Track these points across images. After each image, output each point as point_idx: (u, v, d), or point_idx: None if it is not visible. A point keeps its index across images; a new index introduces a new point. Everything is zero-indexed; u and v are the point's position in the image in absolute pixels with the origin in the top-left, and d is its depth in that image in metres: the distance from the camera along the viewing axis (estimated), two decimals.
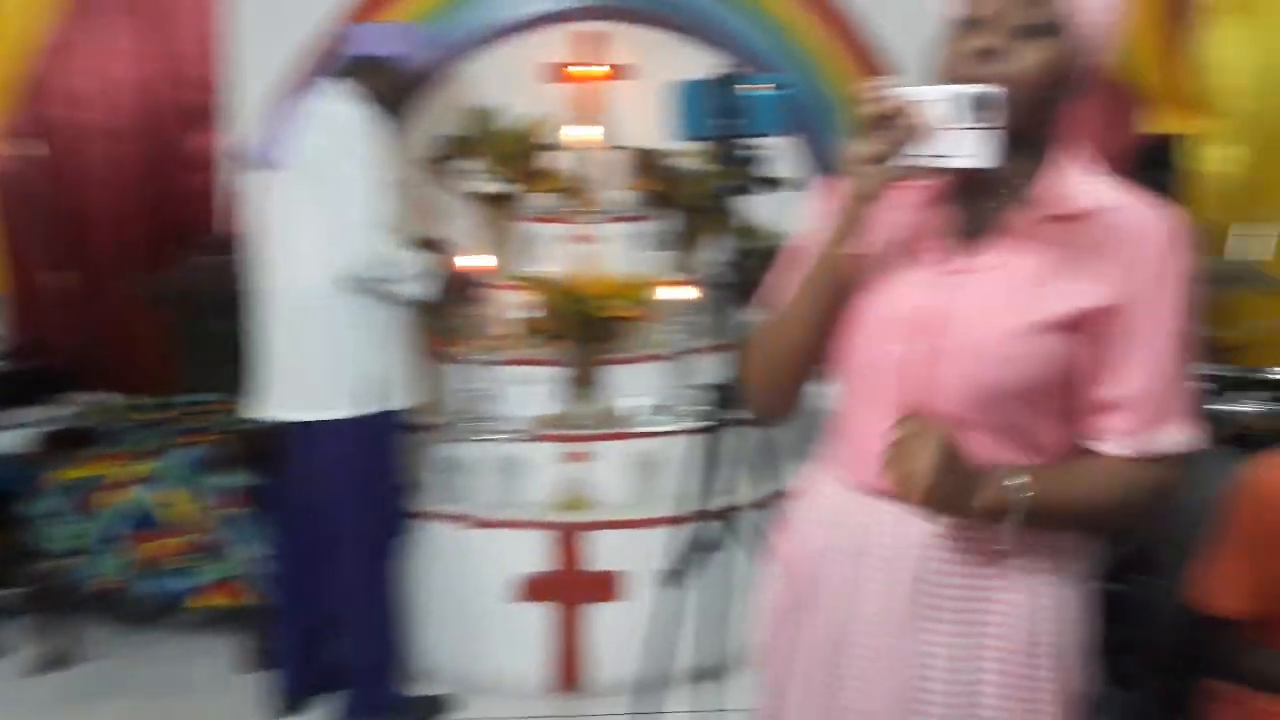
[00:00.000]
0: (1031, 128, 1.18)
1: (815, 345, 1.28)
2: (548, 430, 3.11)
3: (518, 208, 3.61)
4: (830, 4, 3.74)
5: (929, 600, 1.24)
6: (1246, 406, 2.62)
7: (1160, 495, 1.24)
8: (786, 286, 1.31)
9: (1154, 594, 1.85)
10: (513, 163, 3.54)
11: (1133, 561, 2.01)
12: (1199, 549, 1.73)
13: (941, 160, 1.12)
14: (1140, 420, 1.20)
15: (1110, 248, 1.18)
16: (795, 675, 1.37)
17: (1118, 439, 1.21)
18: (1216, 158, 3.40)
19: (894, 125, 1.12)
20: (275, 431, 2.77)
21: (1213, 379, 2.67)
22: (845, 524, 1.30)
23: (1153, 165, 2.99)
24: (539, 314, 3.12)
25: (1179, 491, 1.25)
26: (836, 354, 1.30)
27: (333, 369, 2.66)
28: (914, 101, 1.12)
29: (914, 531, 1.24)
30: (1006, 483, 1.17)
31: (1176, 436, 1.21)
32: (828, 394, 1.37)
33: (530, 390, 3.16)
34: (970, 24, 1.18)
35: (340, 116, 2.64)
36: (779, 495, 2.73)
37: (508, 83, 3.69)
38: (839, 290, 1.24)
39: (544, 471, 3.07)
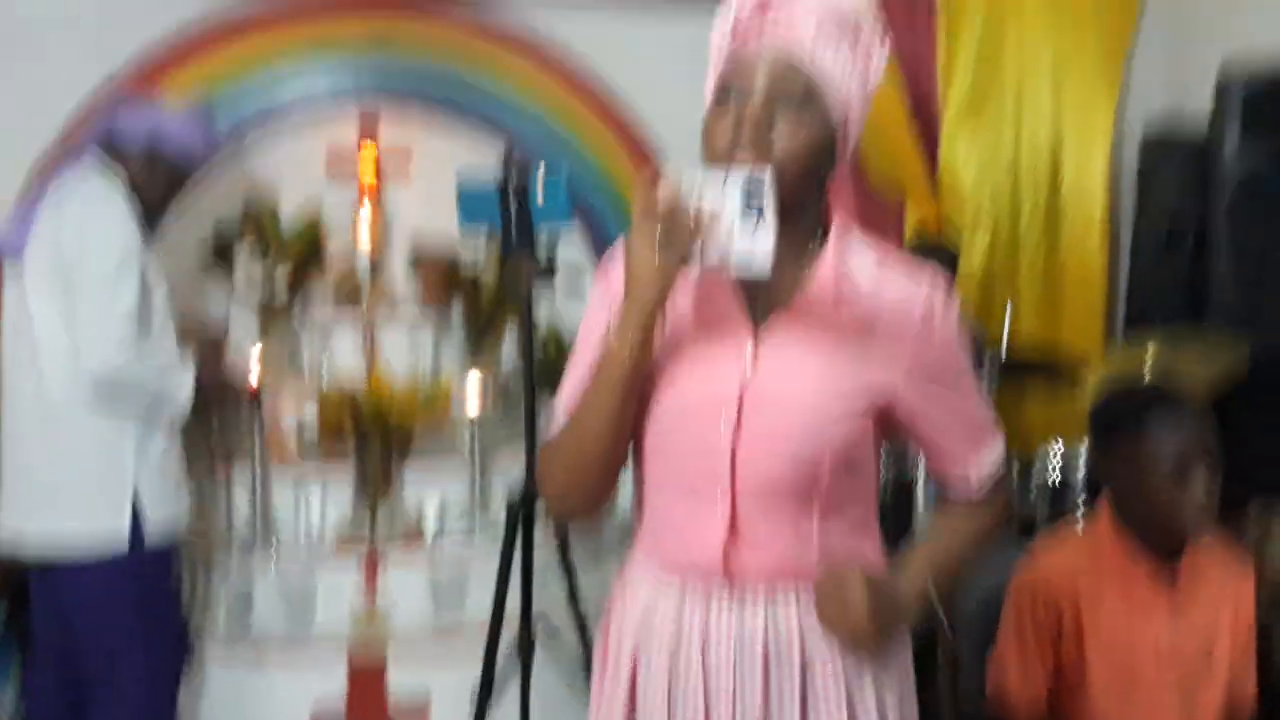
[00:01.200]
0: (802, 201, 1.23)
1: (617, 442, 1.26)
2: (342, 545, 2.98)
3: (301, 302, 3.49)
4: (599, 93, 3.83)
5: (785, 686, 1.27)
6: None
7: (1006, 508, 1.43)
8: (579, 384, 1.30)
9: (953, 682, 1.98)
10: (294, 254, 3.41)
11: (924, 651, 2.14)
12: (986, 638, 1.88)
13: (722, 254, 1.13)
14: (969, 462, 1.36)
15: (894, 313, 1.26)
16: None
17: (958, 486, 1.38)
18: (965, 246, 3.75)
19: (674, 221, 1.13)
20: (27, 562, 2.50)
21: None
22: (680, 618, 1.30)
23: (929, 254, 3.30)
24: (327, 418, 3.00)
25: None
26: (643, 444, 1.30)
27: (96, 490, 2.42)
28: (690, 196, 1.12)
29: (756, 619, 1.27)
30: (918, 585, 1.31)
31: (994, 456, 1.37)
32: (635, 487, 1.37)
33: (320, 502, 3.03)
34: (732, 100, 1.21)
35: (87, 205, 2.43)
36: (589, 598, 2.72)
37: (287, 169, 3.55)
38: (636, 383, 1.23)
39: (340, 589, 2.93)
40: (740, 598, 1.28)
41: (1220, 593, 1.81)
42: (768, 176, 1.11)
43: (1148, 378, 2.26)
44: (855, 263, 1.28)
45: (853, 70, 1.23)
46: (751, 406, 1.24)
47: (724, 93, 1.23)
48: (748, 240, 1.12)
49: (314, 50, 3.58)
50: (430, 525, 3.06)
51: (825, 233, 1.30)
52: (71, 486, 2.42)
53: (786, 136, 1.19)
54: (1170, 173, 3.24)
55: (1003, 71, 3.89)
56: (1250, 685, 1.83)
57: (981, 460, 1.36)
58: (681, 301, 1.28)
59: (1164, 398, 1.77)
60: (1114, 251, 3.95)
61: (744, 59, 1.22)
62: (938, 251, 3.49)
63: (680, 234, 1.13)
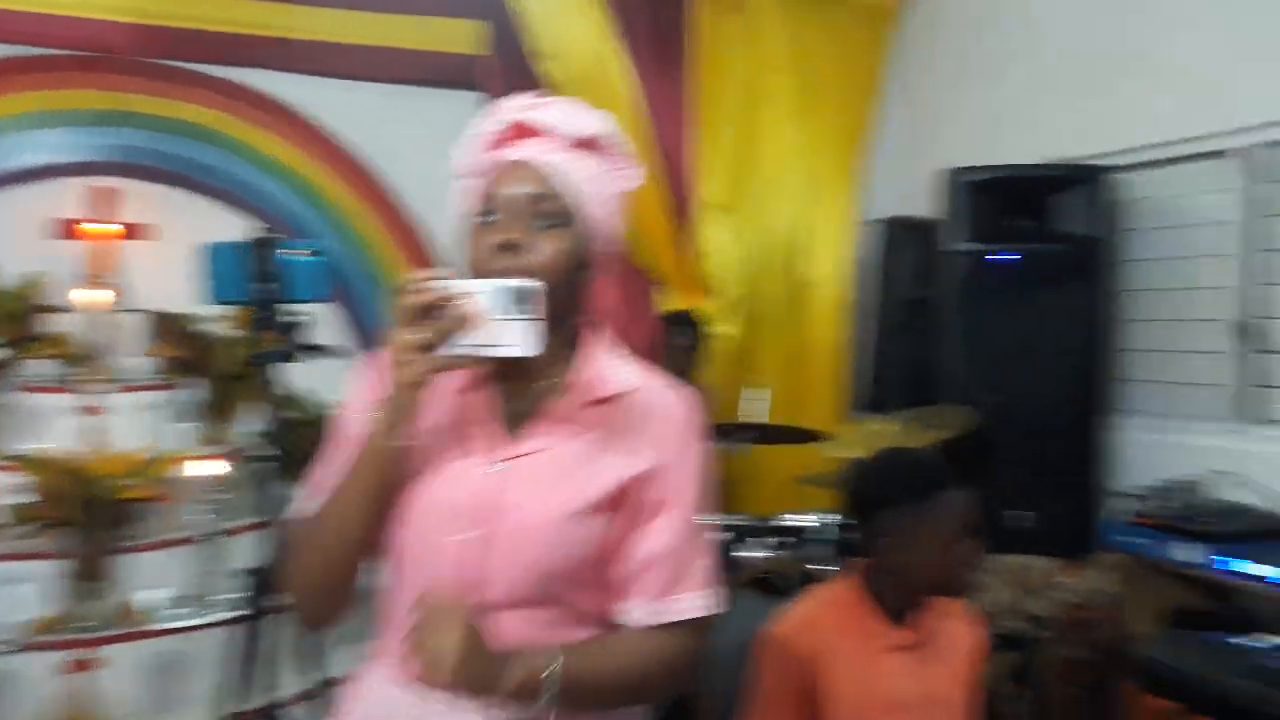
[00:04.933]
0: (559, 312, 1.23)
1: (365, 539, 1.23)
2: (44, 637, 2.66)
3: (13, 376, 3.17)
4: (365, 173, 3.77)
5: None
6: (762, 552, 2.93)
7: (683, 662, 1.27)
8: (330, 478, 1.25)
9: None
10: (8, 325, 3.12)
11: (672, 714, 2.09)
12: (738, 699, 1.85)
13: (486, 349, 1.15)
14: (656, 587, 1.25)
15: (639, 425, 1.26)
16: None
17: (637, 607, 1.25)
18: (719, 330, 3.88)
19: (439, 315, 1.14)
20: None
21: (731, 528, 2.95)
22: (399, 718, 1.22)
23: (677, 331, 3.41)
24: (35, 498, 2.70)
25: (702, 658, 1.28)
26: (388, 543, 1.25)
27: None
28: (458, 293, 1.14)
29: None
30: (536, 663, 1.16)
31: (692, 602, 1.26)
32: (378, 581, 1.30)
33: (22, 590, 2.71)
34: (489, 218, 1.24)
35: None
36: (326, 686, 2.53)
37: (9, 233, 3.28)
38: (387, 479, 1.21)
39: (40, 686, 2.61)
40: (457, 707, 1.19)
41: (956, 647, 1.87)
42: (537, 285, 1.13)
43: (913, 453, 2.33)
44: (609, 371, 1.29)
45: (603, 186, 1.27)
46: (491, 516, 1.21)
47: (484, 213, 1.25)
48: (512, 334, 1.14)
49: (46, 116, 3.36)
50: (152, 609, 2.80)
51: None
52: None
53: (543, 254, 1.21)
54: (907, 254, 3.48)
55: (755, 164, 4.12)
56: None
57: (670, 604, 1.25)
58: (441, 404, 1.26)
59: (943, 476, 1.81)
60: (857, 332, 4.21)
61: (499, 182, 1.25)
62: (685, 317, 3.63)
63: (446, 323, 1.13)
